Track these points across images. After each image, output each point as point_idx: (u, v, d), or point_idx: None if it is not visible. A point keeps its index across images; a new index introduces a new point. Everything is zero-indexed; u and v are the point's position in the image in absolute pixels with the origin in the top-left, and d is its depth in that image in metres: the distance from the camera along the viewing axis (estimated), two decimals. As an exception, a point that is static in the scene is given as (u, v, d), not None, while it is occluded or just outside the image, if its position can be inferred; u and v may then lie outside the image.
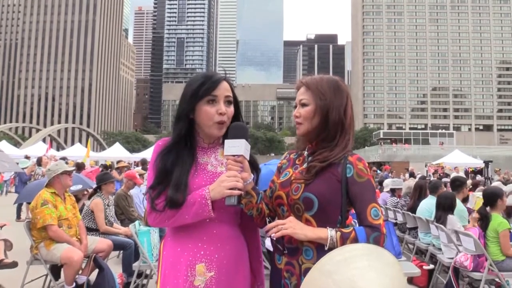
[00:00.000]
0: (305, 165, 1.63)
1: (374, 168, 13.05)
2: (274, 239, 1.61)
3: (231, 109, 1.66)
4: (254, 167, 1.73)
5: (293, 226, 1.49)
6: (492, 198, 4.42)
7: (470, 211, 6.04)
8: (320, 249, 1.49)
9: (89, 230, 4.94)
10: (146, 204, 5.03)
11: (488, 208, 4.42)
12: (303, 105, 1.64)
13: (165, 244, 1.67)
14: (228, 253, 1.60)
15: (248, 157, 1.59)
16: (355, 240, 1.44)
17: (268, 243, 3.30)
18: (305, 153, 1.69)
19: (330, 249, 1.42)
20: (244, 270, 1.66)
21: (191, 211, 1.52)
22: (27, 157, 17.13)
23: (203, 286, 1.55)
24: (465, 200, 6.25)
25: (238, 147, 1.55)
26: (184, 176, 1.57)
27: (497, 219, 4.29)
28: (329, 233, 1.46)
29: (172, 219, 1.54)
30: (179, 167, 1.58)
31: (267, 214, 1.70)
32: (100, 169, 12.95)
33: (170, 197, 1.53)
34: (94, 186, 5.62)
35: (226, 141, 1.57)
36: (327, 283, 1.29)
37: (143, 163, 13.40)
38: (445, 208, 5.04)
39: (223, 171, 1.64)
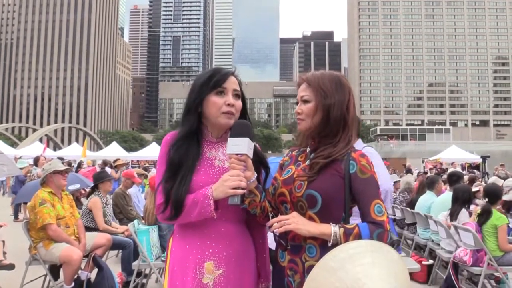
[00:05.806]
0: (307, 162, 1.61)
1: None
2: (277, 234, 1.60)
3: (239, 102, 1.65)
4: (264, 165, 1.71)
5: (296, 222, 1.47)
6: (496, 194, 4.49)
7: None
8: (323, 246, 1.47)
9: (88, 229, 4.92)
10: (146, 202, 5.02)
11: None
12: (305, 101, 1.62)
13: (173, 241, 1.66)
14: (236, 250, 1.59)
15: (251, 156, 1.55)
16: (359, 236, 1.42)
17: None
18: (308, 150, 1.66)
19: (334, 245, 1.39)
20: (251, 267, 1.66)
21: (195, 211, 1.51)
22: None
23: (212, 284, 1.54)
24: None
25: (241, 145, 1.52)
26: (189, 174, 1.56)
27: (496, 214, 4.34)
28: (332, 229, 1.45)
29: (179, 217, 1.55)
30: (186, 163, 1.58)
31: (270, 211, 1.68)
32: (98, 167, 12.90)
33: (173, 200, 1.52)
34: (91, 185, 5.61)
35: (229, 139, 1.55)
36: (331, 280, 1.28)
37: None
38: (463, 201, 4.84)
39: None
